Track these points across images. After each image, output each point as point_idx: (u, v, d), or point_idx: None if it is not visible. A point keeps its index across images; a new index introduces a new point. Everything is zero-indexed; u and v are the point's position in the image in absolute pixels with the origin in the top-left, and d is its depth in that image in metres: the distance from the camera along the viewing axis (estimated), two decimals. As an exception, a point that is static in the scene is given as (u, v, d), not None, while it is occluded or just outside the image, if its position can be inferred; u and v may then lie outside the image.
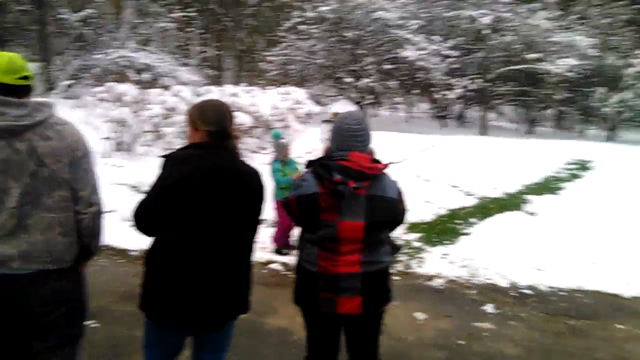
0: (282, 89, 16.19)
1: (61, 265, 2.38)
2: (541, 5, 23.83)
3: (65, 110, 12.98)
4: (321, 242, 2.79)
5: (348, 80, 21.87)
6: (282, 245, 6.74)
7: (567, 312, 5.45)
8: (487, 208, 9.28)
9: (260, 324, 4.64)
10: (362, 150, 2.80)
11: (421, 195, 9.43)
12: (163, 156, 2.56)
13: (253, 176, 2.69)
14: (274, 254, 6.69)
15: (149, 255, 2.58)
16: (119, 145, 11.56)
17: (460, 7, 23.48)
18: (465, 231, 7.97)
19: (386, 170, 2.87)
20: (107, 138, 11.26)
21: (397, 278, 6.04)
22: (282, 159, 6.55)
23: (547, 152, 14.01)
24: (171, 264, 2.48)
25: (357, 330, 2.94)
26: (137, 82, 17.09)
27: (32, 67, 25.79)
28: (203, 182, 2.47)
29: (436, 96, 22.92)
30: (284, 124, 13.77)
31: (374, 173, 2.76)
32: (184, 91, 13.09)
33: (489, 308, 5.38)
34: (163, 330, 2.61)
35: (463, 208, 9.26)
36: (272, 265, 6.37)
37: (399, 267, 6.36)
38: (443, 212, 8.90)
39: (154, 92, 12.96)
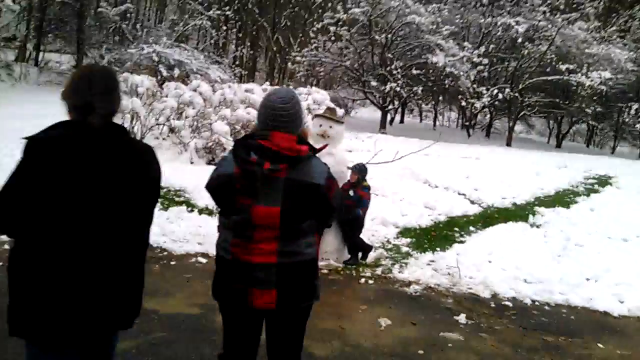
0: (303, 89, 16.11)
1: None
2: (580, 16, 23.20)
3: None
4: (235, 228, 2.57)
5: (374, 84, 21.67)
6: None
7: (546, 327, 5.13)
8: (490, 217, 8.98)
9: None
10: (288, 131, 2.56)
11: (423, 201, 9.17)
12: (25, 138, 2.10)
13: (138, 160, 2.27)
14: None
15: (11, 261, 2.15)
16: (129, 136, 11.60)
17: (497, 14, 23.06)
18: (460, 239, 7.69)
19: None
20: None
21: (371, 282, 5.80)
22: None
23: (568, 166, 13.55)
24: (40, 270, 2.08)
25: (275, 327, 2.68)
26: (167, 79, 17.24)
27: (67, 59, 26.21)
28: (65, 172, 2.07)
29: (463, 104, 22.51)
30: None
31: (293, 155, 2.51)
32: (202, 86, 13.08)
33: (461, 318, 5.08)
34: (48, 358, 2.19)
35: (465, 216, 8.96)
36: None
37: (377, 271, 6.12)
38: (443, 218, 8.63)
39: (170, 85, 13.00)
